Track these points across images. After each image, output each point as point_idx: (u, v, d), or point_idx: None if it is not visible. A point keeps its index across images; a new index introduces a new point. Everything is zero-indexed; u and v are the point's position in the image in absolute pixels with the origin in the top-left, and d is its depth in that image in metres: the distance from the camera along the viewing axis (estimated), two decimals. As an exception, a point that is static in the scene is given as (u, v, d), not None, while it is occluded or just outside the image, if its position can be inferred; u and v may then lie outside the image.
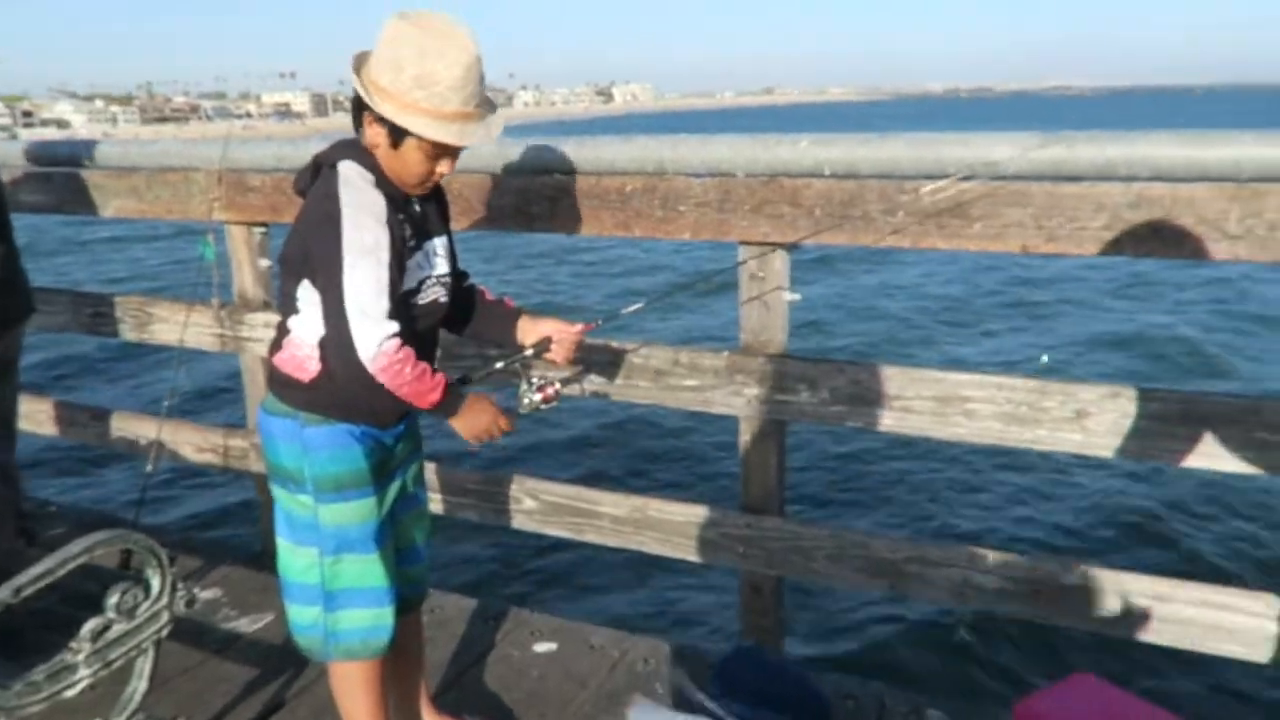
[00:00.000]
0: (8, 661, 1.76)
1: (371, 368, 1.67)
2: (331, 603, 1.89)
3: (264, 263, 3.13)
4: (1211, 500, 6.04)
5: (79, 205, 3.35)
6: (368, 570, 1.89)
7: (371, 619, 1.92)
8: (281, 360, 1.84)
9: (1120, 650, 3.62)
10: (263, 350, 3.01)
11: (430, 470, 2.92)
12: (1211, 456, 2.02)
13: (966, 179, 2.07)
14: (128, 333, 3.37)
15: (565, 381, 1.99)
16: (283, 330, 1.84)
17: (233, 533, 4.72)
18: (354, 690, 1.98)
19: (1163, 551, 5.46)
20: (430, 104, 1.66)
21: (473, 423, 1.86)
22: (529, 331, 2.03)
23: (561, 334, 2.01)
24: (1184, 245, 1.92)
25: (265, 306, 3.13)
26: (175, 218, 3.15)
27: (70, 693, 1.80)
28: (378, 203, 1.70)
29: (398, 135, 1.69)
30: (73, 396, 7.92)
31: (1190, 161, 1.94)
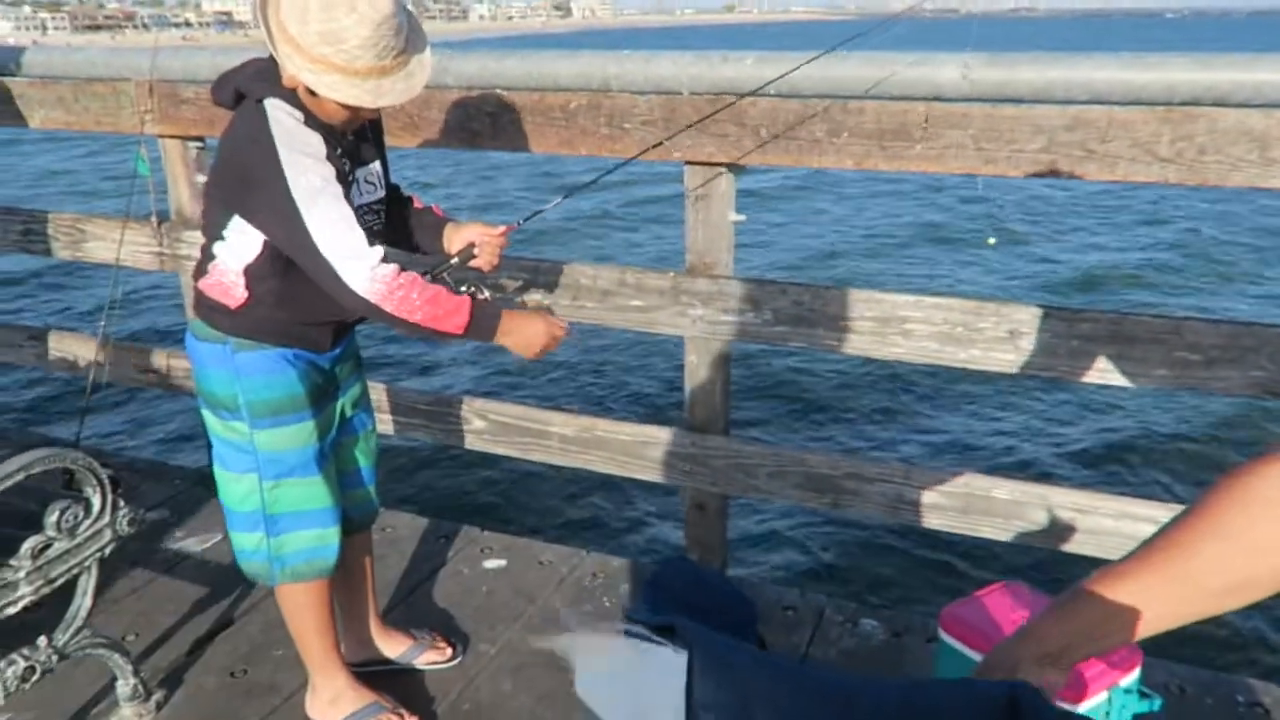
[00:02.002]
0: (-55, 580, 1.76)
1: (375, 301, 1.62)
2: (274, 526, 1.89)
3: (200, 178, 3.05)
4: (1134, 416, 6.27)
5: (3, 116, 3.21)
6: (309, 493, 1.89)
7: (315, 540, 1.93)
8: (208, 285, 1.79)
9: (1051, 563, 3.79)
10: (203, 269, 2.95)
11: (380, 391, 2.92)
12: (1137, 375, 2.09)
13: (908, 99, 2.07)
14: (60, 251, 3.28)
15: (493, 289, 1.95)
16: (207, 255, 1.79)
17: (180, 454, 4.69)
18: (302, 610, 2.00)
19: (1087, 467, 5.67)
20: (340, 60, 1.55)
21: (526, 336, 1.79)
22: (453, 239, 1.98)
23: (484, 237, 1.96)
24: (1117, 168, 1.96)
25: (204, 224, 3.06)
26: (106, 130, 3.05)
27: (11, 610, 1.80)
28: (312, 141, 1.63)
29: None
30: (6, 317, 7.74)
31: (1127, 84, 1.96)
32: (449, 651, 2.29)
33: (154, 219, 3.06)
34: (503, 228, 1.99)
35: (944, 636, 1.91)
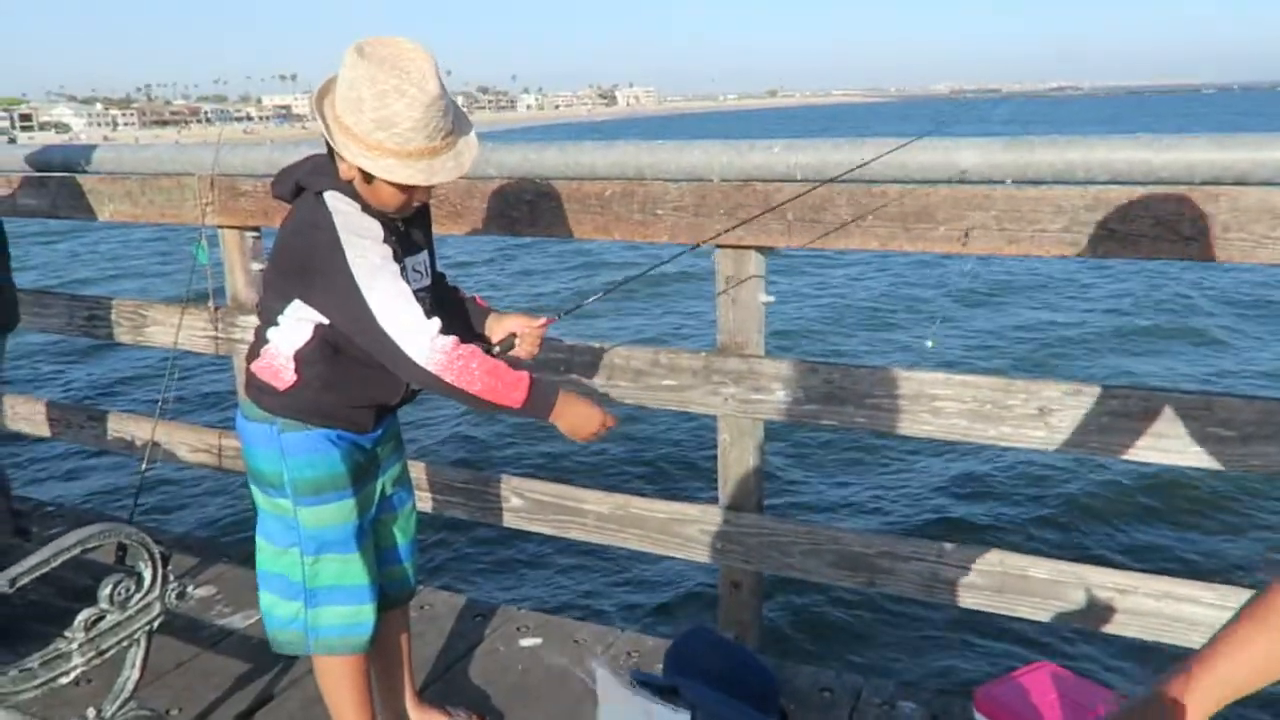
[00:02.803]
0: (5, 650, 1.83)
1: (436, 371, 1.68)
2: (313, 599, 1.94)
3: (256, 266, 3.20)
4: (1169, 493, 6.15)
5: (75, 209, 3.41)
6: (347, 569, 1.94)
7: (351, 615, 1.96)
8: (259, 368, 1.87)
9: (1089, 643, 3.69)
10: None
11: (419, 469, 2.98)
12: (1170, 452, 2.08)
13: (932, 183, 2.13)
14: (122, 335, 3.44)
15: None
16: (261, 339, 1.88)
17: (227, 532, 4.79)
18: (339, 684, 2.04)
19: (1124, 544, 5.55)
20: (394, 144, 1.65)
21: (578, 419, 1.83)
22: (495, 329, 2.06)
23: (525, 329, 2.03)
24: (1140, 246, 1.99)
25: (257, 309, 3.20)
26: (169, 221, 3.23)
27: (64, 680, 1.86)
28: (372, 226, 1.72)
29: (369, 173, 1.69)
30: (68, 397, 8.01)
31: (1146, 165, 2.00)
32: None
33: (211, 304, 3.20)
34: (543, 320, 2.06)
35: (979, 717, 1.89)
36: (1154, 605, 2.17)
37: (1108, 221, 2.00)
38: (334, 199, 1.74)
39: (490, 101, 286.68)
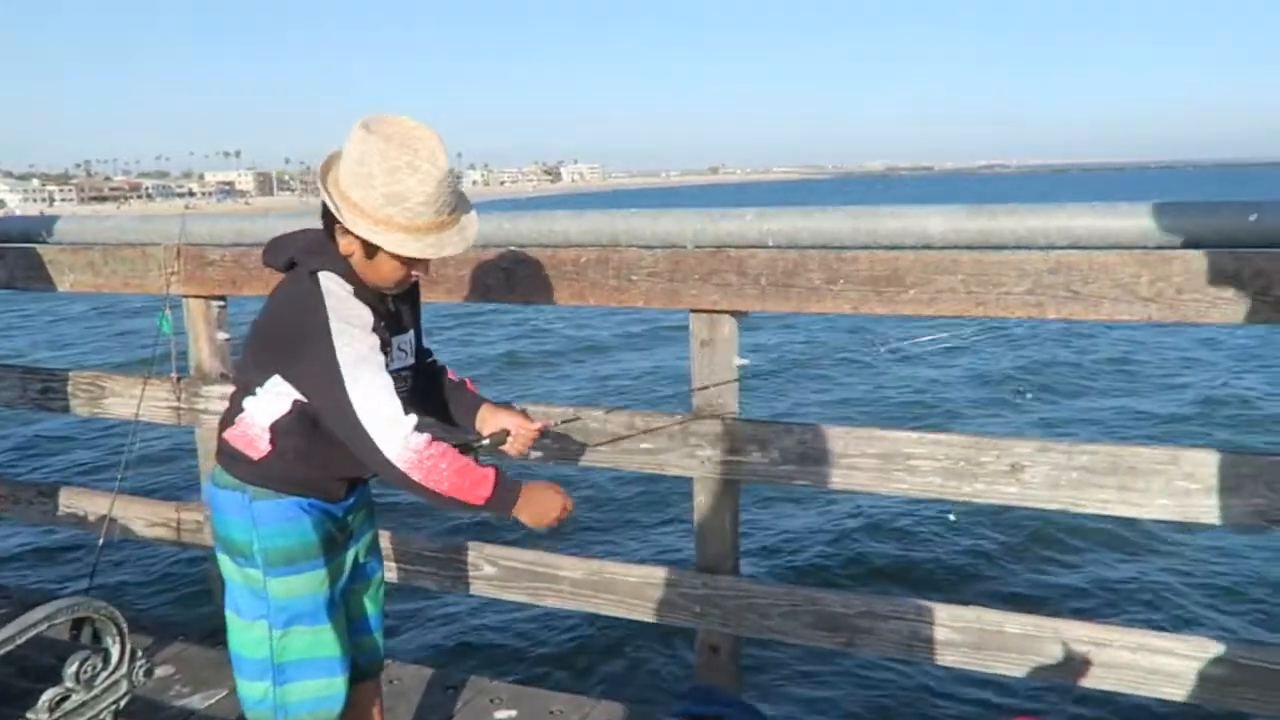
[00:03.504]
0: (-39, 735, 1.75)
1: (405, 469, 1.68)
2: (281, 675, 1.89)
3: (222, 335, 3.16)
4: (1139, 546, 6.29)
5: (33, 280, 3.35)
6: (318, 641, 1.90)
7: (322, 690, 1.92)
8: (233, 435, 1.86)
9: (1068, 695, 3.72)
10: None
11: (386, 539, 2.93)
12: (1139, 505, 2.14)
13: (899, 248, 2.21)
14: (79, 408, 3.36)
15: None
16: (236, 407, 1.86)
17: (185, 609, 4.63)
18: (308, 762, 1.98)
19: (1097, 597, 5.64)
20: (404, 219, 1.67)
21: (539, 509, 1.85)
22: (488, 421, 2.05)
23: (520, 429, 2.02)
24: (1101, 308, 2.08)
25: (222, 379, 3.15)
26: (132, 291, 3.18)
27: (27, 766, 1.78)
28: (363, 315, 1.73)
29: (372, 247, 1.71)
30: (16, 473, 7.74)
31: (1104, 231, 2.11)
32: None
33: (174, 375, 3.15)
34: (539, 424, 2.06)
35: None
36: (1130, 658, 2.20)
37: (1070, 283, 2.09)
38: (329, 280, 1.74)
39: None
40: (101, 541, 2.83)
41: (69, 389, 3.37)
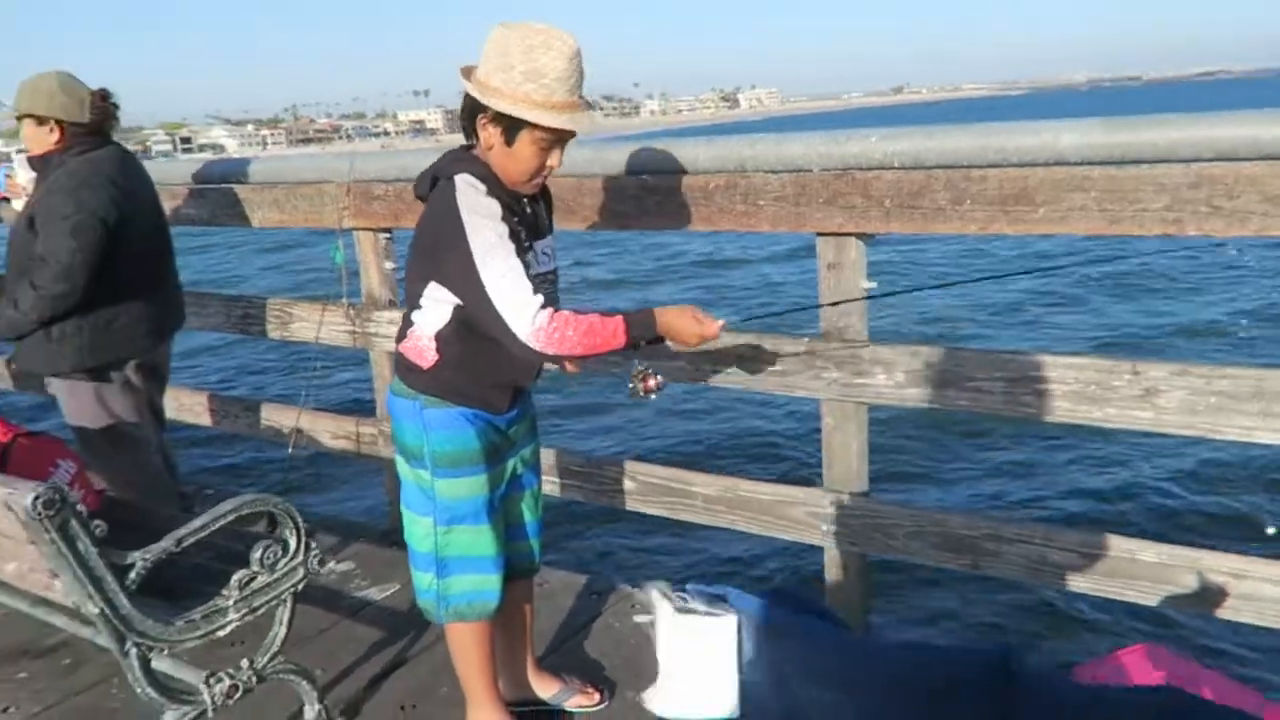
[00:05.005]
0: (172, 606, 2.06)
1: (536, 348, 1.83)
2: (444, 569, 2.10)
3: (388, 265, 3.43)
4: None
5: (230, 218, 3.74)
6: (477, 540, 2.09)
7: (478, 584, 2.12)
8: (405, 348, 2.06)
9: (1200, 626, 3.55)
10: (389, 346, 3.31)
11: (543, 454, 3.14)
12: (1284, 432, 2.03)
13: (1029, 165, 2.14)
14: (272, 331, 3.74)
15: (660, 373, 2.06)
16: (407, 322, 2.06)
17: (365, 514, 5.11)
18: (465, 648, 2.20)
19: (1236, 528, 5.30)
20: (541, 95, 1.80)
21: (678, 331, 1.94)
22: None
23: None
24: (1247, 222, 1.95)
25: (390, 305, 3.43)
26: (311, 225, 3.50)
27: (221, 632, 2.08)
28: (492, 206, 1.87)
29: (512, 132, 1.85)
30: (224, 390, 8.69)
31: (1252, 140, 1.96)
32: (596, 697, 2.43)
33: (346, 301, 3.45)
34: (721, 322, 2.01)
35: (1078, 693, 1.90)
36: (1272, 591, 2.11)
37: (1212, 198, 1.98)
38: (463, 181, 1.89)
39: (614, 109, 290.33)
40: (290, 450, 3.20)
41: (263, 314, 3.76)
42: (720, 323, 1.97)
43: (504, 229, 1.86)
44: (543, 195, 2.08)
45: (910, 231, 2.36)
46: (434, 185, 1.98)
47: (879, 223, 2.37)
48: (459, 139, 2.07)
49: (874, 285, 2.49)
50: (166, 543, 1.99)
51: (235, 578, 2.11)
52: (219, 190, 3.78)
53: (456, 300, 1.93)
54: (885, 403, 2.51)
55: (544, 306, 1.83)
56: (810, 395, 2.60)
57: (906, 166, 2.33)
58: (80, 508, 1.86)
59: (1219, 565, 2.17)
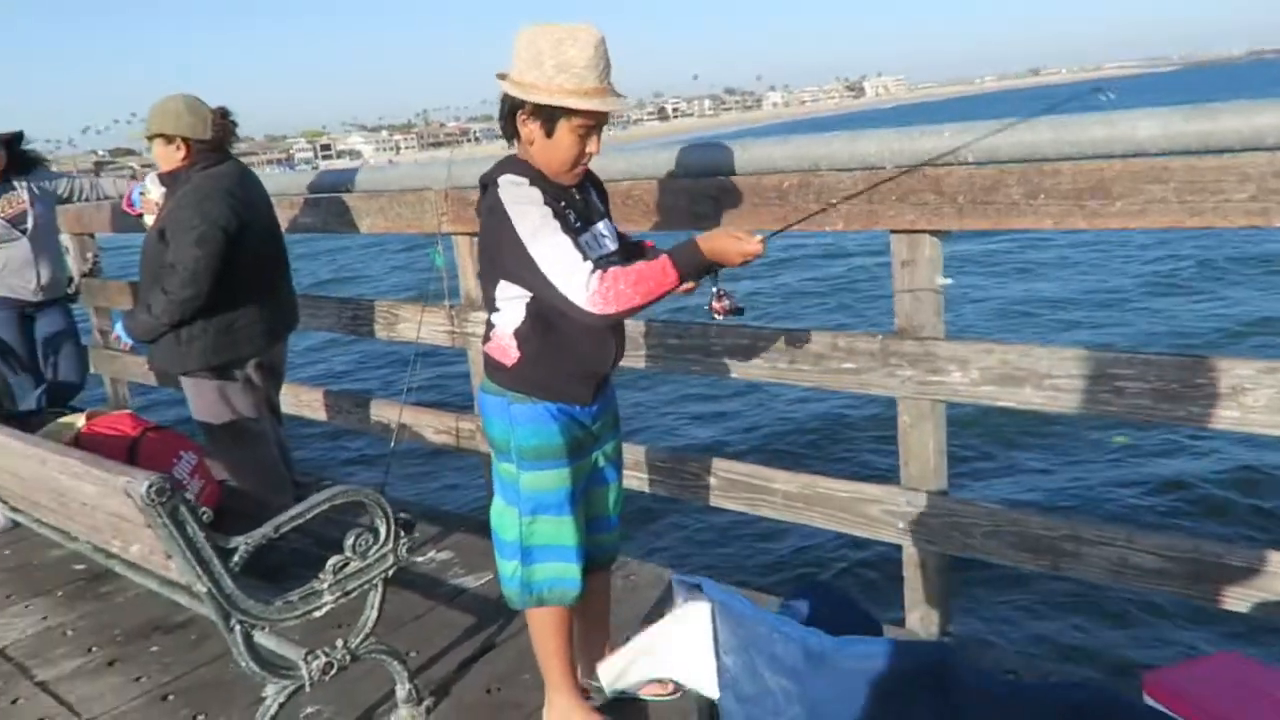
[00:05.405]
0: (273, 587, 2.23)
1: (597, 311, 1.91)
2: (527, 557, 2.21)
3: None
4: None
5: (341, 225, 3.97)
6: (559, 530, 2.18)
7: (560, 572, 2.21)
8: (490, 348, 2.17)
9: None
10: (484, 344, 3.45)
11: (626, 450, 3.23)
12: (1387, 433, 1.92)
13: (1104, 157, 2.09)
14: (379, 331, 3.95)
15: (733, 294, 2.08)
16: (489, 325, 2.17)
17: (466, 505, 5.33)
18: (545, 633, 2.30)
19: None
20: (573, 84, 1.91)
21: (724, 251, 1.97)
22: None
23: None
24: (1338, 213, 1.86)
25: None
26: (413, 231, 3.68)
27: (318, 613, 2.25)
28: (533, 194, 1.98)
29: (551, 123, 1.96)
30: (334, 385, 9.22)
31: (1344, 126, 1.87)
32: (670, 687, 2.50)
33: (447, 303, 3.62)
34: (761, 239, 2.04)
35: (1148, 700, 1.85)
36: (1373, 600, 2.00)
37: (1300, 187, 1.89)
38: (506, 180, 2.00)
39: (736, 102, 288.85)
40: (394, 444, 3.38)
41: (372, 315, 3.98)
42: (760, 239, 1.99)
43: (548, 211, 1.95)
44: (591, 183, 2.18)
45: (983, 228, 2.33)
46: (484, 192, 2.09)
47: (952, 219, 2.35)
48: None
49: (950, 282, 2.47)
50: (266, 529, 2.16)
51: (330, 563, 2.27)
52: (330, 199, 4.01)
53: (527, 294, 2.03)
54: (961, 400, 2.48)
55: (594, 271, 1.90)
56: (886, 393, 2.59)
57: (980, 161, 2.30)
58: (188, 495, 2.04)
59: (1315, 572, 2.07)
